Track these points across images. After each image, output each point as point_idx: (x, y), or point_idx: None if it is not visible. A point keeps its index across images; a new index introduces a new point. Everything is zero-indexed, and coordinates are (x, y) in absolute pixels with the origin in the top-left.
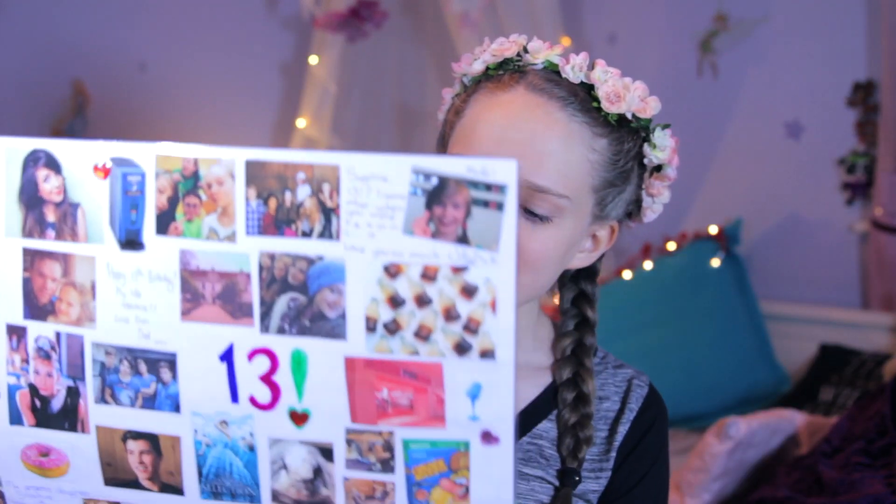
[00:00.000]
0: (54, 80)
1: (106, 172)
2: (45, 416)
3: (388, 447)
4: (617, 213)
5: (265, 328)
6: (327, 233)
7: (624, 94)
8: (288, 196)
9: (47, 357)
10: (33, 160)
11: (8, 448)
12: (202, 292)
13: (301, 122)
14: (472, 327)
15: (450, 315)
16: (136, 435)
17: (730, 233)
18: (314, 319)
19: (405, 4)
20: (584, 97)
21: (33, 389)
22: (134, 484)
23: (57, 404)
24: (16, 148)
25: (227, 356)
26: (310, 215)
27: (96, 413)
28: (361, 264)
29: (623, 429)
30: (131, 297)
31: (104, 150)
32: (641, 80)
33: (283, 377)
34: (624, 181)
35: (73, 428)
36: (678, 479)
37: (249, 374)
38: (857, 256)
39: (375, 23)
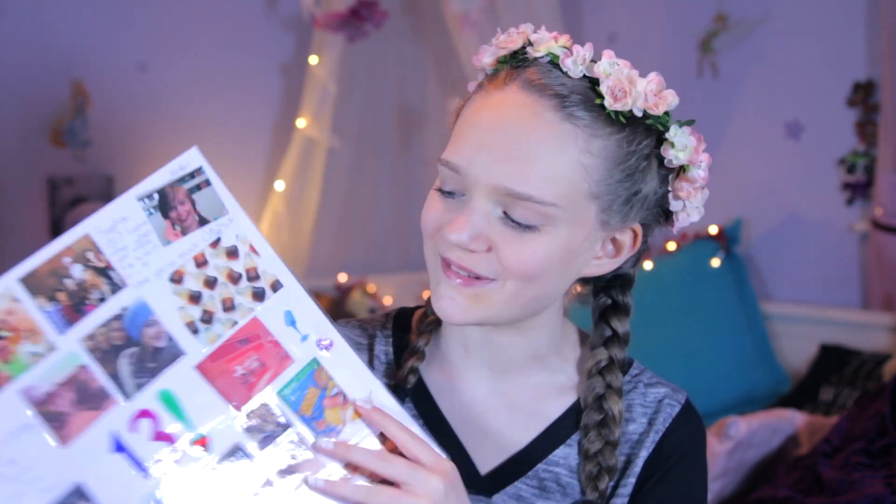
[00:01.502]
0: (54, 80)
1: None
2: None
3: (271, 408)
4: (638, 216)
5: (127, 395)
6: (115, 286)
7: (630, 88)
8: (68, 282)
9: None
10: None
11: None
12: (63, 411)
13: (301, 122)
14: (252, 275)
15: (233, 278)
16: None
17: (730, 233)
18: (154, 358)
19: (405, 4)
20: (585, 94)
21: None
22: None
23: None
24: None
25: (118, 446)
26: (94, 284)
27: None
28: (154, 289)
29: (644, 453)
30: (10, 471)
31: None
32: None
33: (168, 422)
34: (636, 182)
35: None
36: None
37: (142, 442)
38: (857, 256)
39: (375, 23)
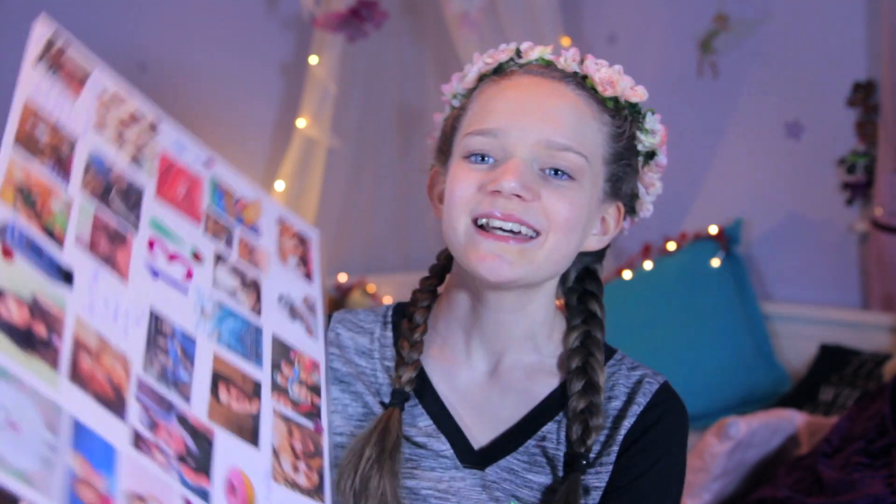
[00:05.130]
0: None
1: (8, 253)
2: (201, 460)
3: (214, 218)
4: (623, 193)
5: (134, 228)
6: (71, 141)
7: (617, 80)
8: (42, 144)
9: (155, 425)
10: None
11: None
12: (106, 252)
13: (301, 122)
14: (138, 117)
15: (124, 123)
16: (214, 388)
17: (730, 233)
18: (128, 195)
19: (405, 4)
20: (581, 82)
21: (181, 458)
22: (255, 427)
23: (191, 443)
24: None
25: (154, 272)
26: (56, 143)
27: (199, 409)
28: (92, 139)
29: (627, 423)
30: (106, 310)
31: None
32: (632, 77)
33: (167, 244)
34: (626, 161)
35: (209, 443)
36: None
37: (165, 266)
38: (857, 256)
39: (375, 23)
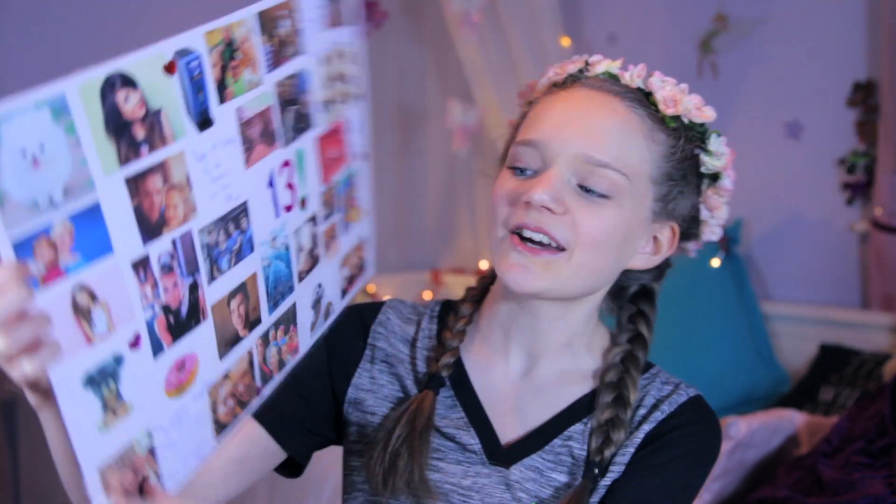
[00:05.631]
0: (55, 80)
1: (173, 68)
2: (178, 328)
3: (331, 193)
4: (678, 214)
5: (285, 143)
6: (297, 51)
7: (681, 98)
8: (282, 30)
9: (170, 270)
10: (110, 86)
11: (154, 392)
12: (252, 137)
13: None
14: (349, 80)
15: (343, 79)
16: (235, 292)
17: (730, 233)
18: (302, 119)
19: (405, 4)
20: (642, 98)
21: (166, 309)
22: (234, 340)
23: (184, 309)
24: (89, 83)
25: (271, 181)
26: (291, 39)
27: (210, 294)
28: (313, 64)
29: (647, 427)
30: (214, 171)
31: (167, 48)
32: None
33: (295, 176)
34: (682, 180)
35: (197, 322)
36: None
37: (281, 187)
38: (857, 256)
39: (375, 23)
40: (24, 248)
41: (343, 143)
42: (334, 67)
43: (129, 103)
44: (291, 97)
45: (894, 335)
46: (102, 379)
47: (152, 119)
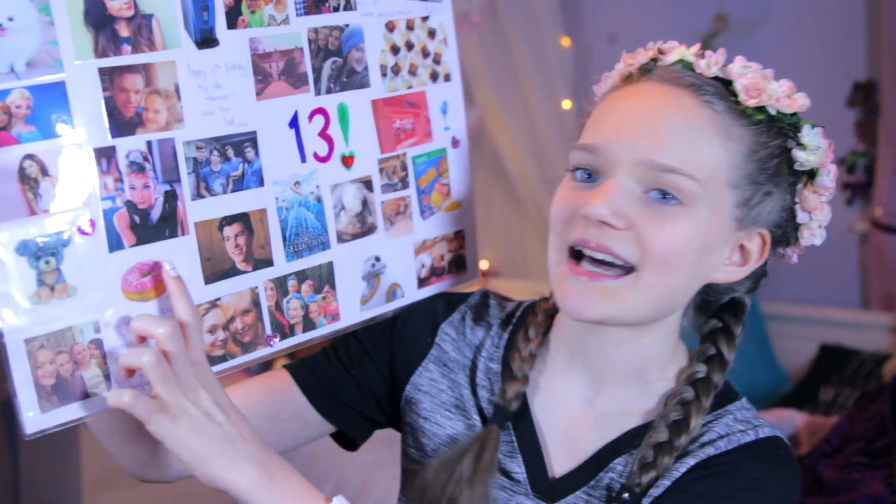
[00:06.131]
0: None
1: None
2: (145, 230)
3: (404, 167)
4: (767, 220)
5: (318, 91)
6: (349, 5)
7: (765, 85)
8: None
9: (141, 169)
10: None
11: (107, 282)
12: (270, 72)
13: None
14: (437, 59)
15: (425, 52)
16: (231, 219)
17: None
18: (349, 75)
19: None
20: (720, 89)
21: (131, 206)
22: (231, 271)
23: (156, 214)
24: None
25: (294, 123)
26: None
27: (194, 210)
28: (372, 25)
29: (691, 461)
30: (213, 90)
31: None
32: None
33: (334, 129)
34: (769, 181)
35: (173, 233)
36: None
37: (311, 133)
38: (857, 256)
39: None
40: None
41: (422, 118)
42: (408, 37)
43: (115, 1)
44: (333, 48)
45: (894, 335)
46: (41, 252)
47: (141, 22)
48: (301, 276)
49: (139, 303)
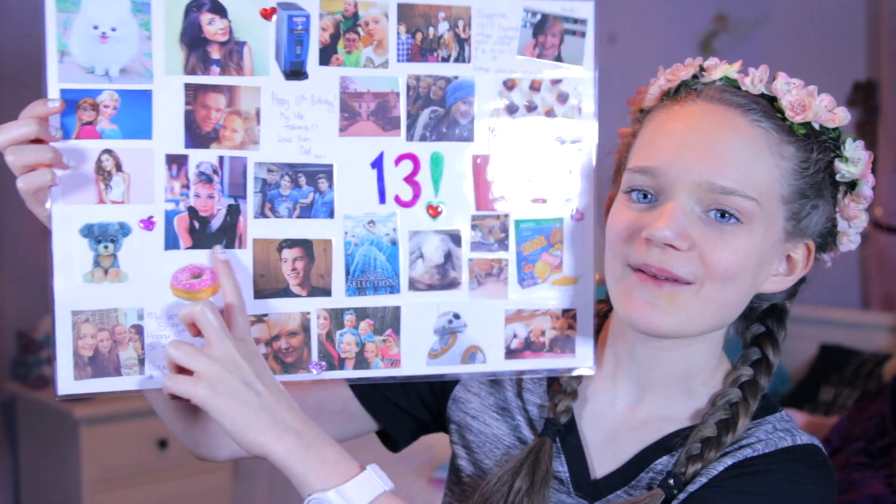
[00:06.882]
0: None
1: (271, 15)
2: (202, 236)
3: (504, 228)
4: (813, 230)
5: (410, 136)
6: (461, 58)
7: (810, 102)
8: (431, 30)
9: (209, 181)
10: (196, 6)
11: (157, 276)
12: (358, 111)
13: None
14: (565, 125)
15: (550, 116)
16: (292, 242)
17: None
18: (449, 127)
19: None
20: (766, 106)
21: (192, 212)
22: (283, 292)
23: (216, 223)
24: None
25: (378, 163)
26: (448, 45)
27: (254, 227)
28: (487, 81)
29: (729, 460)
30: (294, 120)
31: None
32: (823, 91)
33: (423, 177)
34: (816, 194)
35: (230, 244)
36: None
37: (395, 176)
38: (857, 256)
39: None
40: (69, 99)
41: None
42: (531, 98)
43: (212, 26)
44: (435, 98)
45: (894, 335)
46: (102, 237)
47: (233, 48)
48: (361, 313)
49: (184, 300)
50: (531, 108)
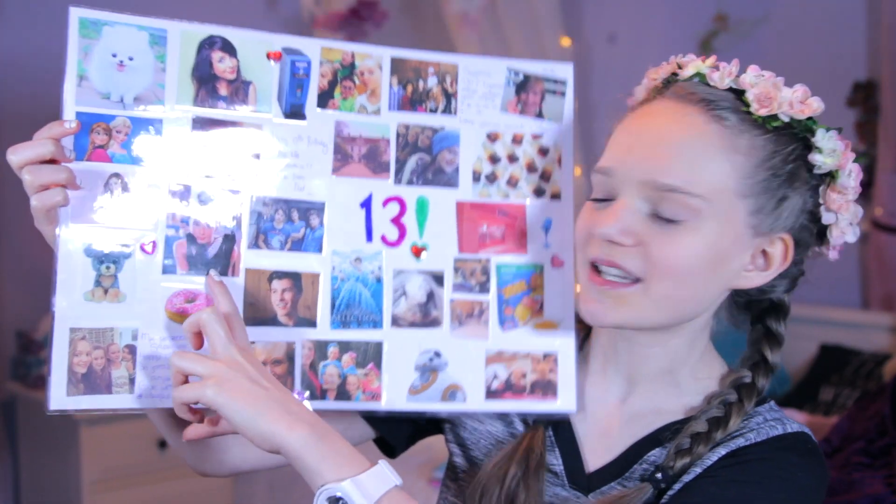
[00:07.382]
0: (56, 79)
1: (277, 58)
2: (198, 262)
3: (485, 271)
4: (786, 224)
5: (398, 180)
6: (448, 110)
7: (776, 94)
8: (421, 83)
9: (209, 210)
10: (209, 43)
11: (153, 299)
12: (351, 153)
13: None
14: (546, 176)
15: (531, 168)
16: (282, 274)
17: None
18: (435, 173)
19: (405, 4)
20: (732, 102)
21: (190, 239)
22: (271, 321)
23: (212, 251)
24: (192, 32)
25: (367, 203)
26: (436, 97)
27: (248, 257)
28: (471, 132)
29: (722, 450)
30: (291, 158)
31: (276, 41)
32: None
33: (409, 219)
34: (784, 186)
35: (223, 272)
36: None
37: (383, 217)
38: (857, 256)
39: (375, 23)
40: (84, 122)
41: (516, 230)
42: (513, 150)
43: (222, 63)
44: (423, 146)
45: (894, 335)
46: (105, 258)
47: (239, 86)
48: (345, 346)
49: (178, 324)
50: (513, 160)
